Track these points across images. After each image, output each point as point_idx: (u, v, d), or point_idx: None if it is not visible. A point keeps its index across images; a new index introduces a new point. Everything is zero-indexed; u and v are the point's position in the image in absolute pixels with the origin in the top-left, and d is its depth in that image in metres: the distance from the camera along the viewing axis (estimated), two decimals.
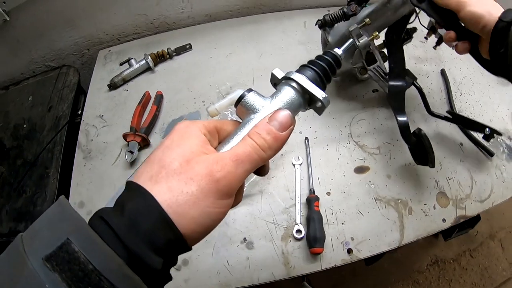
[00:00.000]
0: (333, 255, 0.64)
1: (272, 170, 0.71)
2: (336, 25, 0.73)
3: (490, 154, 0.80)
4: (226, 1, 0.97)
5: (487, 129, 0.72)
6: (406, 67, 0.73)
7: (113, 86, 0.87)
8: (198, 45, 0.93)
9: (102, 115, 0.86)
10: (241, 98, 0.29)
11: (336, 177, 0.70)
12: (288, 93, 0.29)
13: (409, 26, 0.72)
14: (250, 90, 0.30)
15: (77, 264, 0.19)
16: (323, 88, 0.30)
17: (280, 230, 0.66)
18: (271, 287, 0.65)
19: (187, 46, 0.91)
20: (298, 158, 0.71)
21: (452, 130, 0.83)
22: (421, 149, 0.64)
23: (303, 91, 0.30)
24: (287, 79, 0.30)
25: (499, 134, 0.72)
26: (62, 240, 0.20)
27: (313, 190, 0.68)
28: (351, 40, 0.43)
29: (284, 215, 0.67)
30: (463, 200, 0.73)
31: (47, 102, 0.94)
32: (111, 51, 0.96)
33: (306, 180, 0.70)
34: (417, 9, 0.68)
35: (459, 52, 0.54)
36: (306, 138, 0.74)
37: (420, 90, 0.76)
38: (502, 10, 0.46)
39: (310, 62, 0.32)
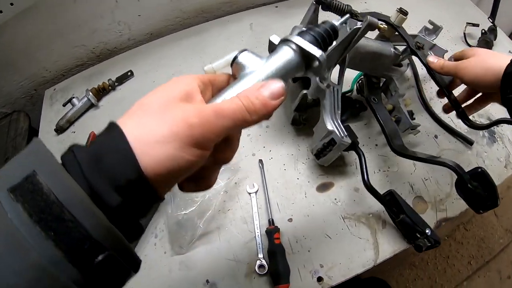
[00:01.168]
0: (302, 286, 0.55)
1: (227, 202, 0.61)
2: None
3: (470, 142, 0.68)
4: (165, 16, 0.84)
5: (427, 230, 0.54)
6: None
7: (60, 130, 0.77)
8: (140, 69, 0.81)
9: None
10: (236, 57, 0.28)
11: (297, 200, 0.60)
12: (285, 53, 0.28)
13: None
14: (244, 50, 0.28)
15: (39, 195, 0.18)
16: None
17: (243, 267, 0.57)
18: None
19: (129, 74, 0.80)
20: (253, 185, 0.61)
21: (424, 121, 0.71)
22: (479, 193, 0.48)
23: (300, 51, 0.28)
24: (285, 41, 0.29)
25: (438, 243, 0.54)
26: (28, 172, 0.19)
27: (272, 220, 0.58)
28: (348, 15, 0.37)
29: (244, 250, 0.58)
30: (443, 200, 0.63)
31: (4, 153, 0.85)
32: (56, 89, 0.86)
33: (265, 209, 0.60)
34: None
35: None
36: (260, 161, 0.63)
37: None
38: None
39: (308, 28, 0.30)
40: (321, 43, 0.29)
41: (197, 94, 0.24)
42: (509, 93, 0.41)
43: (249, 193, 0.61)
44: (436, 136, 0.69)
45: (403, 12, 0.58)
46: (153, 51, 0.84)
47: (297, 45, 0.27)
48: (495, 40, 0.83)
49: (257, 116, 0.24)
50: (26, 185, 0.19)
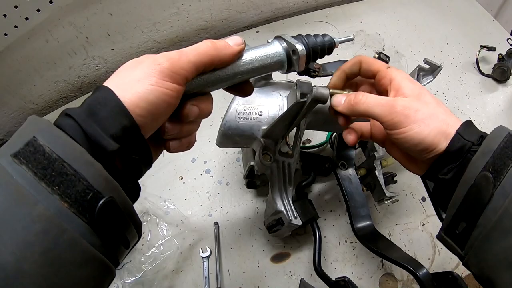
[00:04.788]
0: None
1: (181, 262, 0.56)
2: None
3: None
4: (139, 47, 0.78)
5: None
6: None
7: None
8: None
9: None
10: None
11: (248, 269, 0.54)
12: (274, 45, 0.29)
13: None
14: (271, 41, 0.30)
15: (41, 155, 0.19)
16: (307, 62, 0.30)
17: None
18: None
19: None
20: (207, 249, 0.55)
21: (411, 179, 0.58)
22: None
23: (287, 46, 0.29)
24: (277, 37, 0.30)
25: None
26: (28, 138, 0.20)
27: None
28: (352, 36, 0.35)
29: None
30: None
31: None
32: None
33: (216, 274, 0.54)
34: None
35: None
36: (216, 223, 0.56)
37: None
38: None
39: (306, 35, 0.31)
40: (310, 48, 0.29)
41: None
42: (446, 172, 0.28)
43: (202, 257, 0.55)
44: (423, 199, 0.57)
45: (382, 60, 0.45)
46: None
47: (284, 39, 0.29)
48: None
49: (219, 51, 0.25)
50: (28, 149, 0.19)
